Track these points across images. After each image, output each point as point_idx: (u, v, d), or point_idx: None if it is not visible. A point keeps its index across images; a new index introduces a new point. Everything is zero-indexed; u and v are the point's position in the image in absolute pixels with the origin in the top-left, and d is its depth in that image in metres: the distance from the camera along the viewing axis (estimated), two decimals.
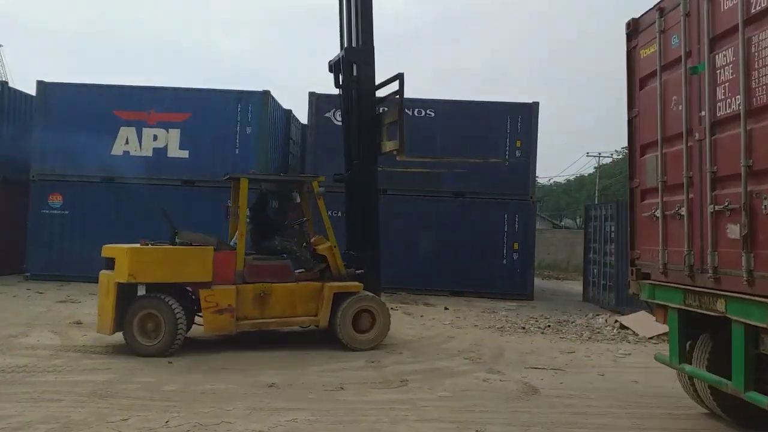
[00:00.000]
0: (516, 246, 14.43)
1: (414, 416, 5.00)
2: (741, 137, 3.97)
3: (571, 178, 53.92)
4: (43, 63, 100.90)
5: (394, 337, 8.22)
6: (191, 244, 7.43)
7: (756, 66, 3.92)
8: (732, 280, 4.11)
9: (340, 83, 8.68)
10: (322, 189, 7.98)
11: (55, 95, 14.46)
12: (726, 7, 4.22)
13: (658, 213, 4.94)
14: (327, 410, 5.07)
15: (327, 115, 14.71)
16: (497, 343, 8.47)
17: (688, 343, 5.09)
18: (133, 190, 14.15)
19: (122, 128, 14.32)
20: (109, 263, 7.05)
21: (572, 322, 10.64)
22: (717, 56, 4.31)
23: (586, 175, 49.45)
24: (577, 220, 47.50)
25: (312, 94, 14.83)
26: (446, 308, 11.81)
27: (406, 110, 9.22)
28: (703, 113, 4.42)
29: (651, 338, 9.16)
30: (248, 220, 7.83)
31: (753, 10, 3.95)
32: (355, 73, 8.40)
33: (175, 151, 14.35)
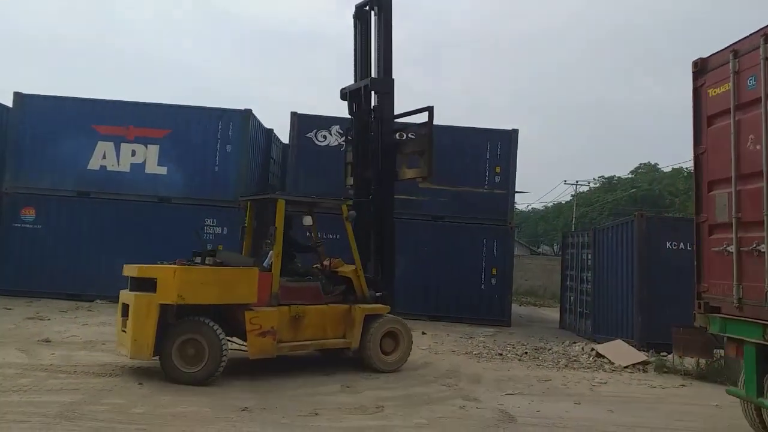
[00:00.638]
0: (494, 271, 14.47)
1: None
2: None
3: (549, 205, 54.58)
4: (22, 73, 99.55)
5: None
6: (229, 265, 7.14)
7: None
8: None
9: (354, 110, 8.92)
10: (353, 213, 8.10)
11: (32, 107, 14.25)
12: None
13: (732, 249, 5.02)
14: None
15: (308, 135, 14.73)
16: (474, 370, 8.42)
17: (766, 377, 5.06)
18: (109, 205, 13.96)
19: (100, 142, 14.15)
20: (140, 284, 6.56)
21: (549, 350, 10.64)
22: None
23: (564, 202, 50.10)
24: (555, 247, 47.94)
25: (294, 114, 14.85)
26: (424, 333, 11.74)
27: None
28: None
29: (627, 367, 9.20)
30: (269, 240, 7.77)
31: None
32: (376, 103, 8.70)
33: (153, 168, 14.19)
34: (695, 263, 5.63)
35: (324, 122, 14.84)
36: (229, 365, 7.47)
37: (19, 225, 13.80)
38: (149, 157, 14.20)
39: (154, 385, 6.29)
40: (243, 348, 7.12)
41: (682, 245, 11.30)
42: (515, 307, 17.01)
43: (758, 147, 4.78)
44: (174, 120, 14.39)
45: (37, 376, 6.45)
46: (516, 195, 15.27)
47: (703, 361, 8.93)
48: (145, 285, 6.52)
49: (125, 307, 6.71)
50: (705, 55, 5.58)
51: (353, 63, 8.99)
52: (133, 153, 14.21)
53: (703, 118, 5.52)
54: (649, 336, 10.80)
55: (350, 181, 9.42)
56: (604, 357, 9.79)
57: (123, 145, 14.19)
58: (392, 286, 8.54)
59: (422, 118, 8.94)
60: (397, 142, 9.03)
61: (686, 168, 38.09)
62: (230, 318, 6.88)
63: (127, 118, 14.29)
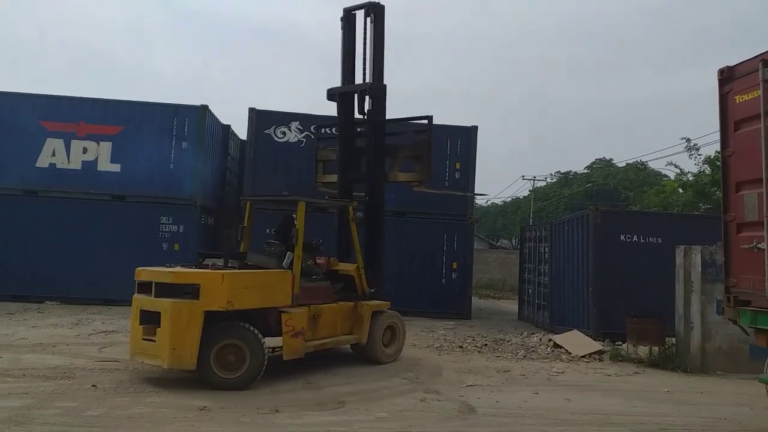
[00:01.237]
0: (455, 266, 14.62)
1: None
2: None
3: (508, 200, 55.44)
4: None
5: (330, 358, 8.11)
6: (259, 267, 7.08)
7: None
8: None
9: (343, 112, 9.10)
10: (360, 214, 8.41)
11: None
12: None
13: (762, 245, 5.22)
14: None
15: (267, 131, 14.56)
16: (435, 363, 8.49)
17: None
18: (59, 204, 13.53)
19: (49, 139, 13.70)
20: (174, 289, 6.26)
21: (508, 341, 10.81)
22: None
23: (522, 197, 50.95)
24: (513, 241, 48.70)
25: (252, 110, 14.64)
26: None
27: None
28: None
29: (583, 357, 9.41)
30: (273, 240, 7.91)
31: None
32: (370, 107, 8.94)
33: (105, 165, 13.81)
34: (724, 259, 5.90)
35: (283, 118, 14.70)
36: None
37: None
38: (101, 155, 13.81)
39: (109, 388, 6.13)
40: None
41: (635, 238, 11.63)
42: (475, 300, 17.22)
43: None
44: (127, 116, 14.01)
45: None
46: (474, 191, 15.38)
47: (655, 348, 9.22)
48: (182, 291, 6.24)
49: (148, 315, 6.39)
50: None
51: (341, 65, 9.08)
52: (85, 150, 13.80)
53: (729, 123, 5.79)
54: (604, 326, 11.08)
55: (325, 179, 9.54)
56: (561, 347, 9.99)
57: (73, 142, 13.77)
58: (383, 282, 8.76)
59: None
60: (390, 145, 9.23)
61: (640, 163, 39.22)
62: (261, 321, 6.78)
63: (77, 114, 13.87)
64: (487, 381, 7.40)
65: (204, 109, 14.21)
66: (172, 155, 13.98)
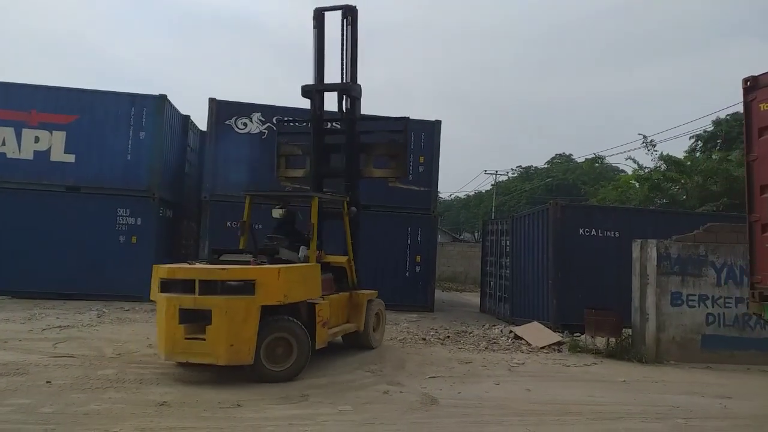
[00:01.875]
0: (418, 259, 14.70)
1: (314, 431, 4.89)
2: None
3: (471, 193, 55.98)
4: None
5: None
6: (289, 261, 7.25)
7: None
8: None
9: (316, 109, 9.21)
10: (354, 209, 8.69)
11: None
12: None
13: None
14: (223, 428, 4.84)
15: (228, 122, 14.32)
16: (398, 355, 8.52)
17: None
18: (9, 195, 13.06)
19: None
20: (223, 287, 6.20)
21: (470, 333, 10.93)
22: None
23: (484, 191, 51.53)
24: (476, 234, 49.27)
25: (212, 101, 14.37)
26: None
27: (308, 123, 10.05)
28: None
29: (543, 348, 9.59)
30: (274, 234, 7.97)
31: None
32: (348, 106, 9.16)
33: (59, 155, 13.39)
34: (749, 257, 6.08)
35: (245, 109, 14.49)
36: (146, 361, 7.23)
37: None
38: (55, 144, 13.38)
39: (65, 384, 5.95)
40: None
41: (594, 232, 11.90)
42: (438, 293, 17.35)
43: None
44: (82, 105, 13.61)
45: None
46: (437, 185, 15.47)
47: (612, 340, 9.45)
48: (234, 287, 6.23)
49: (190, 313, 6.27)
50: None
51: (313, 63, 9.13)
52: (37, 139, 13.35)
53: (753, 129, 5.98)
54: (563, 318, 11.32)
55: (288, 173, 9.61)
56: (521, 339, 10.16)
57: (25, 131, 13.31)
58: (359, 273, 9.02)
59: None
60: (366, 143, 9.45)
61: (597, 156, 40.11)
62: (296, 313, 6.94)
63: (28, 102, 13.41)
64: (449, 373, 7.47)
65: (162, 98, 13.90)
66: (130, 146, 13.65)
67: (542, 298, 12.16)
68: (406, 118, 9.53)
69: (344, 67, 9.13)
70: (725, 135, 28.14)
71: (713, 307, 9.08)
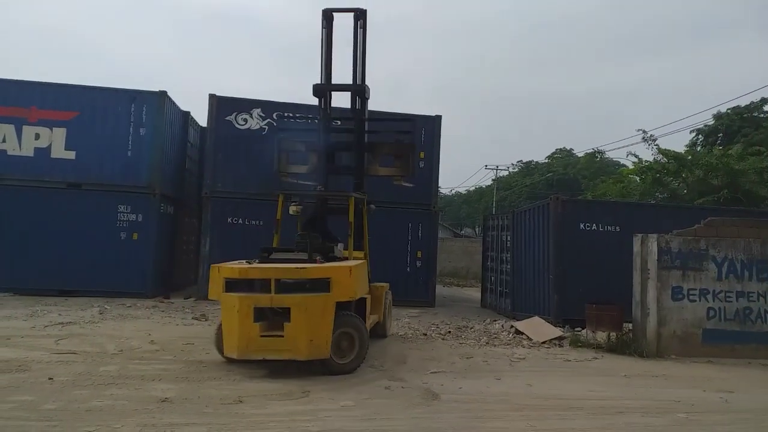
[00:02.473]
0: (419, 254, 14.71)
1: (315, 427, 4.90)
2: None
3: (472, 188, 55.97)
4: None
5: None
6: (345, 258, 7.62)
7: None
8: None
9: (324, 108, 9.28)
10: (373, 206, 9.00)
11: None
12: None
13: None
14: (224, 424, 4.85)
15: (228, 118, 14.31)
16: (400, 350, 8.53)
17: None
18: (10, 192, 13.07)
19: None
20: (300, 285, 6.48)
21: (471, 328, 10.94)
22: None
23: (485, 186, 51.52)
24: (477, 229, 49.27)
25: (212, 97, 14.37)
26: None
27: (310, 117, 10.68)
28: None
29: (544, 342, 9.60)
30: (305, 231, 8.11)
31: None
32: (359, 106, 9.31)
33: (60, 152, 13.40)
34: None
35: (245, 105, 14.48)
36: (148, 357, 7.24)
37: None
38: (55, 141, 13.39)
39: (67, 381, 5.97)
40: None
41: (594, 226, 11.90)
42: (439, 288, 17.36)
43: None
44: (83, 102, 13.60)
45: None
46: (438, 180, 15.47)
47: (613, 334, 9.46)
48: (310, 285, 6.50)
49: (265, 311, 6.53)
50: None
51: (321, 63, 9.19)
52: (37, 136, 13.35)
53: None
54: (564, 312, 11.33)
55: (290, 169, 9.68)
56: (522, 333, 10.17)
57: (25, 128, 13.32)
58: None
59: None
60: (374, 142, 9.61)
61: (597, 151, 40.04)
62: (350, 308, 7.27)
63: (29, 99, 13.41)
64: (450, 368, 7.48)
65: (162, 95, 13.89)
66: (130, 142, 13.65)
67: (543, 292, 12.17)
68: (414, 121, 9.95)
69: (356, 68, 9.23)
70: (726, 129, 28.11)
71: (714, 301, 9.08)
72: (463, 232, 50.96)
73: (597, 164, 40.59)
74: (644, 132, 22.55)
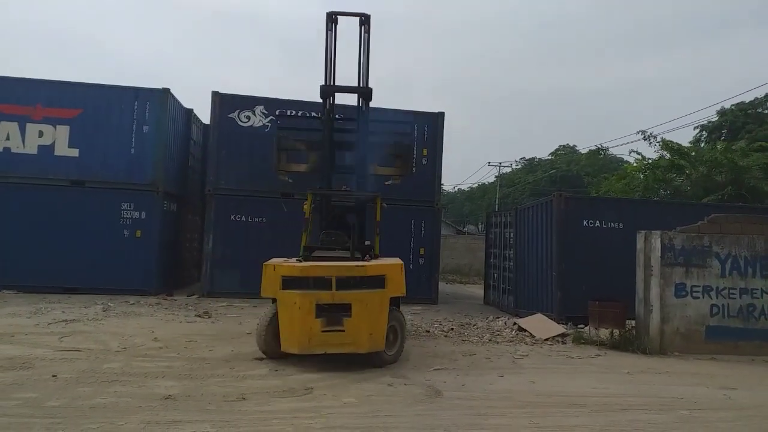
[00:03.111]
0: (422, 251, 14.70)
1: (318, 424, 4.91)
2: None
3: (474, 185, 55.91)
4: None
5: None
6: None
7: None
8: None
9: (327, 108, 9.31)
10: (385, 205, 8.95)
11: None
12: None
13: None
14: (228, 422, 4.87)
15: (231, 115, 14.31)
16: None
17: None
18: (14, 190, 13.10)
19: (2, 123, 13.29)
20: (360, 281, 6.84)
21: (474, 325, 10.94)
22: None
23: (488, 183, 51.46)
24: (480, 226, 49.23)
25: (215, 94, 14.37)
26: None
27: (313, 114, 11.12)
28: None
29: (547, 340, 9.60)
30: (331, 230, 8.22)
31: None
32: (363, 107, 9.34)
33: (63, 150, 13.42)
34: None
35: (248, 102, 14.47)
36: (151, 354, 7.26)
37: None
38: (59, 139, 13.41)
39: (71, 378, 5.99)
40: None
41: (597, 223, 11.87)
42: (442, 285, 17.36)
43: None
44: (86, 99, 13.62)
45: None
46: (441, 177, 15.43)
47: (616, 331, 9.45)
48: (366, 282, 6.86)
49: (325, 308, 6.77)
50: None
51: (324, 65, 9.30)
52: (41, 134, 13.38)
53: None
54: (567, 309, 11.32)
55: (290, 167, 9.71)
56: (525, 331, 10.17)
57: (29, 126, 13.34)
58: None
59: None
60: (375, 143, 9.64)
61: (601, 148, 39.93)
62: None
63: (33, 97, 13.42)
64: (453, 365, 7.49)
65: (165, 92, 13.90)
66: (133, 140, 13.67)
67: (546, 289, 12.15)
68: (412, 121, 9.71)
69: (360, 70, 9.35)
70: (730, 125, 28.01)
71: (717, 298, 9.06)
72: (465, 229, 50.93)
73: (600, 161, 40.49)
74: (644, 132, 22.45)
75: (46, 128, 13.39)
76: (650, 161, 22.43)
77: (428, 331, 10.07)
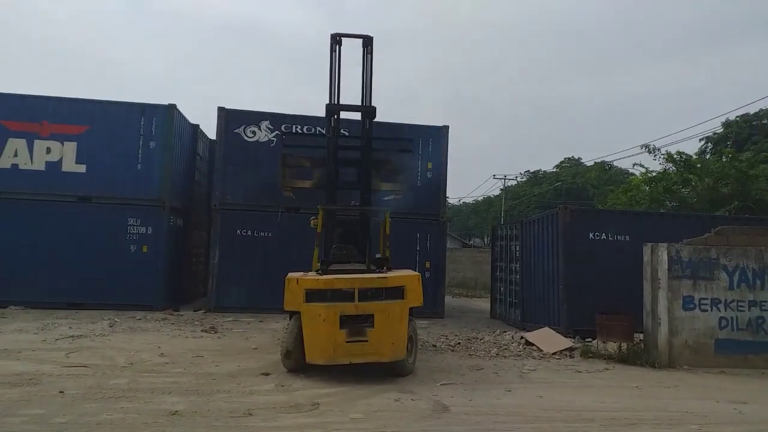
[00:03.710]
0: (428, 265, 14.67)
1: None
2: None
3: (479, 198, 55.90)
4: None
5: None
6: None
7: None
8: None
9: (332, 126, 9.48)
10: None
11: None
12: None
13: None
14: None
15: (237, 131, 14.40)
16: None
17: None
18: (22, 206, 13.18)
19: (11, 139, 13.39)
20: (381, 293, 7.09)
21: (480, 339, 10.89)
22: None
23: (493, 196, 51.44)
24: (485, 239, 49.13)
25: (221, 109, 14.47)
26: None
27: (319, 129, 11.56)
28: None
29: (554, 354, 9.54)
30: (341, 244, 8.41)
31: None
32: (367, 126, 9.48)
33: (71, 166, 13.52)
34: None
35: (253, 117, 14.56)
36: (158, 370, 7.25)
37: None
38: (66, 155, 13.52)
39: (78, 394, 5.99)
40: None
41: (604, 236, 11.83)
42: (448, 299, 17.31)
43: None
44: (93, 116, 13.73)
45: None
46: (446, 190, 15.44)
47: (624, 345, 9.38)
48: (387, 293, 7.10)
49: (348, 319, 6.94)
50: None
51: (329, 84, 9.47)
52: (48, 150, 13.49)
53: None
54: (574, 323, 11.25)
55: (296, 183, 9.84)
56: (533, 345, 10.11)
57: (36, 142, 13.46)
58: None
59: None
60: (378, 159, 9.84)
61: (606, 163, 39.90)
62: None
63: (40, 113, 13.55)
64: (460, 380, 7.45)
65: (172, 108, 14.00)
66: (140, 155, 13.76)
67: (553, 303, 12.10)
68: (411, 141, 10.92)
69: (364, 89, 9.51)
70: (735, 137, 27.96)
71: (726, 310, 9.00)
72: (471, 242, 50.83)
73: (607, 175, 40.46)
74: (647, 146, 22.41)
75: (54, 144, 13.50)
76: (655, 173, 22.37)
77: (435, 346, 10.03)
